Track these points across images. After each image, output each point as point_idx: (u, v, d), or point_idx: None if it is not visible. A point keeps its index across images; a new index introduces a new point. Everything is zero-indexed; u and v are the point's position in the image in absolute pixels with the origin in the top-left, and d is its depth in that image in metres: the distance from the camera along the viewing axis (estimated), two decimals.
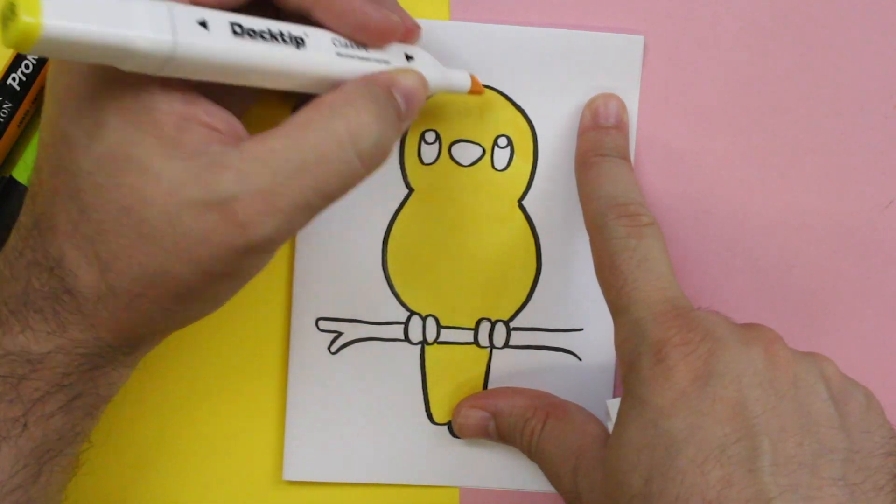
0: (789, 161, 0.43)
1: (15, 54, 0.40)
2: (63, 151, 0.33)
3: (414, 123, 0.42)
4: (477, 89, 0.40)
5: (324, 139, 0.32)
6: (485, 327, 0.43)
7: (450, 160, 0.43)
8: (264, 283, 0.43)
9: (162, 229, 0.31)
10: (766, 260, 0.44)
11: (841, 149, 0.43)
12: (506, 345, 0.43)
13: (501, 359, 0.43)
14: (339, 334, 0.43)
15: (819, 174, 0.44)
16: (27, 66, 0.40)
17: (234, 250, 0.32)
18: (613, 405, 0.39)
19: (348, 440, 0.43)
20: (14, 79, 0.40)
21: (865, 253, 0.44)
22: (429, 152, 0.43)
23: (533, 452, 0.41)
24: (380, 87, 0.34)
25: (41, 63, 0.40)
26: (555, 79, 0.42)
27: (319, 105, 0.33)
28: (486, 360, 0.43)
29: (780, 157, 0.43)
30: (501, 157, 0.43)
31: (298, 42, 0.34)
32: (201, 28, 0.31)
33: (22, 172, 0.40)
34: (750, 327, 0.36)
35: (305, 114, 0.33)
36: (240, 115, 0.35)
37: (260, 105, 0.40)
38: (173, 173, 0.31)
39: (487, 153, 0.43)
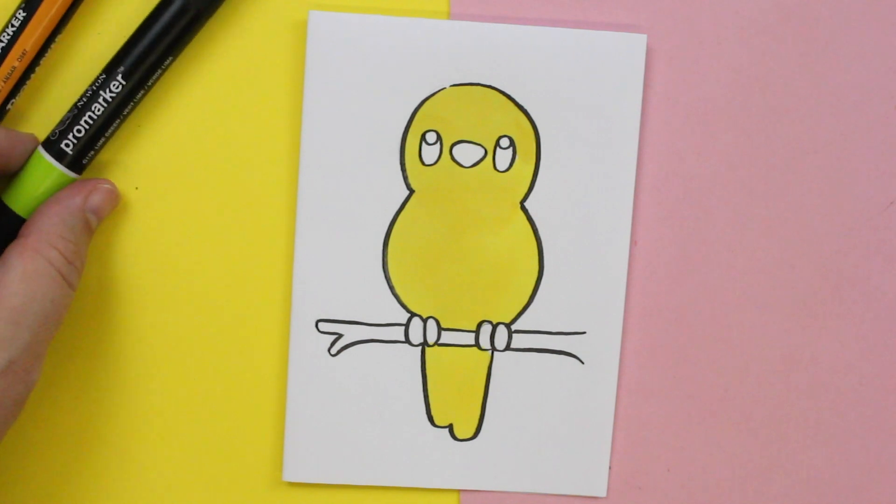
0: (790, 161, 0.43)
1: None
2: None
3: (415, 124, 0.42)
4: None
5: (40, 283, 0.37)
6: (486, 329, 0.43)
7: (451, 161, 0.42)
8: (264, 285, 0.43)
9: None
10: (767, 260, 0.44)
11: (841, 149, 0.43)
12: (507, 347, 0.43)
13: (503, 361, 0.43)
14: (340, 336, 0.43)
15: (819, 174, 0.44)
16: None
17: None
18: None
19: (348, 442, 0.43)
20: None
21: (865, 253, 0.44)
22: (430, 153, 0.42)
23: None
24: (73, 213, 0.38)
25: (25, 78, 0.40)
26: (557, 78, 0.42)
27: (23, 249, 0.37)
28: (487, 362, 0.43)
29: (781, 157, 0.43)
30: (503, 157, 0.42)
31: None
32: None
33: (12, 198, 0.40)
34: None
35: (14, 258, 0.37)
36: None
37: None
38: None
39: (489, 154, 0.42)
